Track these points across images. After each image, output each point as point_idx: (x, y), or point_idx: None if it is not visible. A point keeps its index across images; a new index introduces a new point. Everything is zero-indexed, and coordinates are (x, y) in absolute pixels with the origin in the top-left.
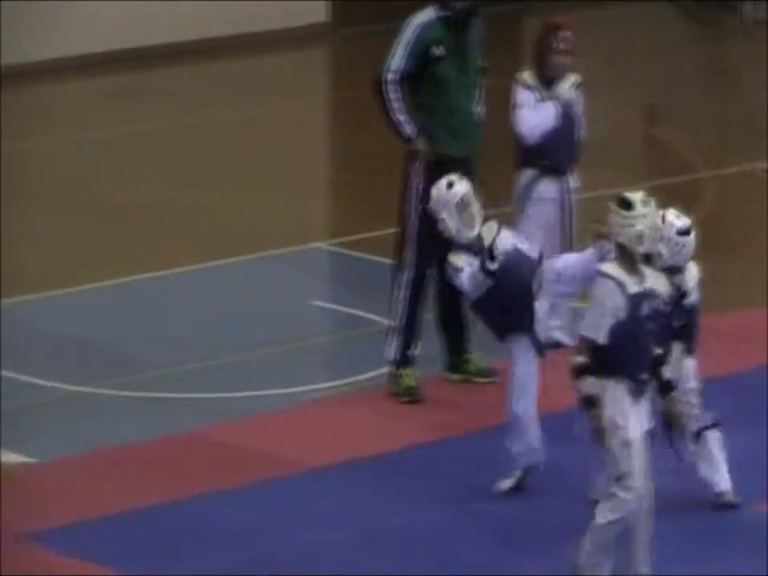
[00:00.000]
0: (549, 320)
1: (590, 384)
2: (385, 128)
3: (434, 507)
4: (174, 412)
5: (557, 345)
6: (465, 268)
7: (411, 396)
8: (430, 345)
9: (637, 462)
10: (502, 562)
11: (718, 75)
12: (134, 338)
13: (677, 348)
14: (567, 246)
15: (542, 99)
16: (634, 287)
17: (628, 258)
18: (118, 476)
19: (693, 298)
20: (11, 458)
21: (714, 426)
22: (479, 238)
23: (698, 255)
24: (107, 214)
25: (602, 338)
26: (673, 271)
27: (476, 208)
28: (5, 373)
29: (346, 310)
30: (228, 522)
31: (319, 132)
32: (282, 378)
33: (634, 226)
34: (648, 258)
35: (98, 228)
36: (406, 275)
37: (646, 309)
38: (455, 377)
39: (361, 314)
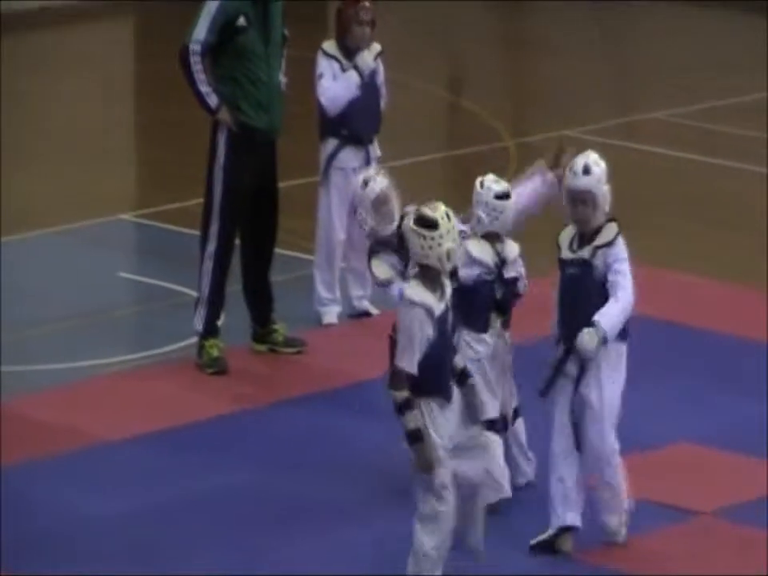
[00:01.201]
0: (353, 290)
1: (416, 417)
2: (190, 99)
3: (235, 477)
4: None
5: (366, 314)
6: (393, 280)
7: (217, 367)
8: (237, 316)
9: (447, 472)
10: (282, 536)
11: (521, 46)
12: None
13: (497, 321)
14: None
15: (344, 69)
16: (440, 307)
17: (432, 277)
18: None
19: (513, 270)
20: None
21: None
22: (398, 233)
23: None
24: None
25: (415, 368)
26: (493, 238)
27: (394, 204)
28: None
29: (153, 281)
30: (24, 496)
31: (122, 104)
32: (86, 350)
33: (441, 245)
34: (454, 274)
35: None
36: (212, 246)
37: (449, 324)
38: (262, 347)
39: (168, 285)
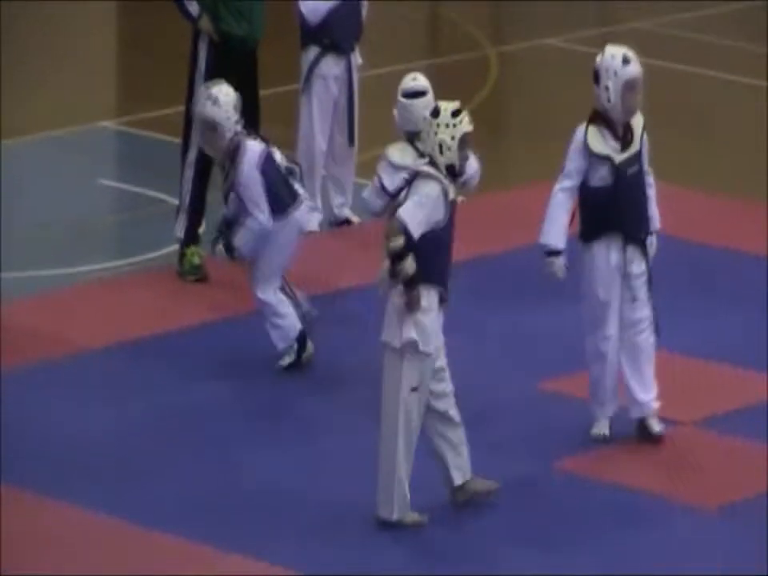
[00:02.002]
0: (335, 198)
1: (411, 263)
2: (170, 6)
3: (217, 386)
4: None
5: (346, 221)
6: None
7: (198, 274)
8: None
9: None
10: (264, 446)
11: None
12: None
13: None
14: (351, 123)
15: None
16: (451, 194)
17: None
18: None
19: None
20: None
21: None
22: None
23: (483, 133)
24: None
25: (416, 233)
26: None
27: None
28: None
29: (134, 188)
30: (7, 402)
31: (103, 11)
32: (66, 257)
33: (437, 134)
34: (451, 170)
35: None
36: (192, 155)
37: (453, 223)
38: None
39: (148, 192)
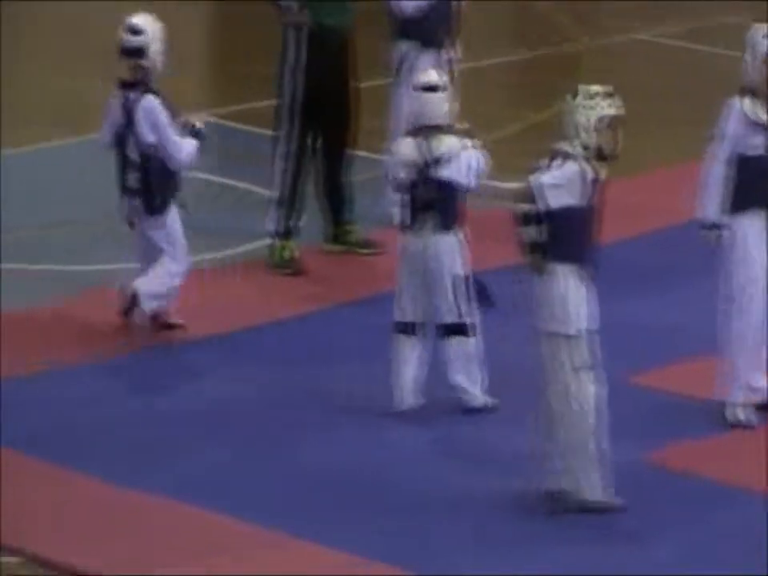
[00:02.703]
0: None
1: (533, 230)
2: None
3: (309, 376)
4: (48, 282)
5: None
6: None
7: (290, 268)
8: (313, 216)
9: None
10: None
11: None
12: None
13: (429, 222)
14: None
15: None
16: (590, 174)
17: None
18: None
19: (450, 169)
20: None
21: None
22: None
23: None
24: None
25: (542, 205)
26: (425, 134)
27: None
28: None
29: (225, 180)
30: (104, 391)
31: (193, 4)
32: None
33: (573, 115)
34: (591, 151)
35: None
36: (285, 147)
37: (594, 203)
38: (337, 248)
39: (240, 184)
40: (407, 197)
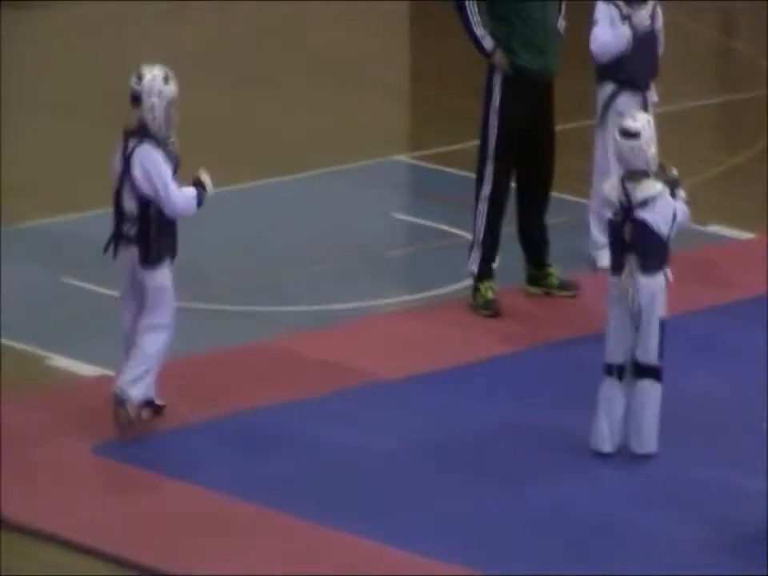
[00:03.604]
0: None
1: None
2: (464, 39)
3: (509, 417)
4: (247, 324)
5: None
6: None
7: (490, 309)
8: (512, 257)
9: None
10: (553, 466)
11: None
12: (206, 250)
13: (630, 263)
14: None
15: (623, 15)
16: None
17: None
18: (190, 386)
19: (650, 212)
20: (79, 367)
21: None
22: None
23: None
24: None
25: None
26: (628, 177)
27: None
28: (69, 280)
29: (426, 222)
30: (295, 432)
31: (398, 42)
32: (360, 290)
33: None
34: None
35: None
36: (487, 189)
37: None
38: (536, 290)
39: (440, 226)
40: (613, 238)
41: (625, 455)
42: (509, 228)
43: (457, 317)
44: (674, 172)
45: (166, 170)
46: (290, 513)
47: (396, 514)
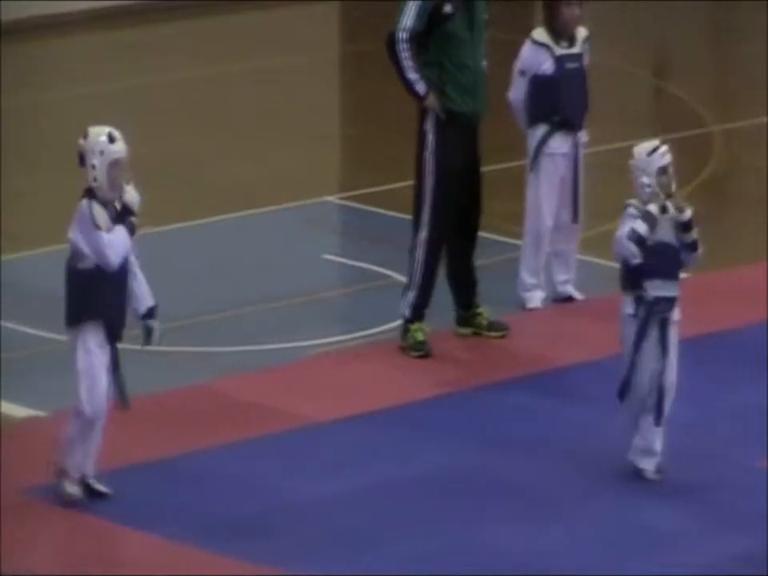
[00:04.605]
0: (558, 274)
1: None
2: (395, 82)
3: (439, 460)
4: (182, 365)
5: (569, 299)
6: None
7: (422, 350)
8: (441, 299)
9: None
10: (487, 519)
11: (730, 32)
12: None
13: None
14: (575, 200)
15: (554, 55)
16: None
17: None
18: (123, 428)
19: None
20: (15, 410)
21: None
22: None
23: (708, 209)
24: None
25: None
26: None
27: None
28: (7, 324)
29: (357, 263)
30: (229, 476)
31: (328, 86)
32: (291, 331)
33: None
34: None
35: None
36: (425, 233)
37: None
38: (465, 331)
39: (371, 267)
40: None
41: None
42: (439, 269)
43: (389, 358)
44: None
45: (100, 223)
46: (229, 555)
47: (340, 553)
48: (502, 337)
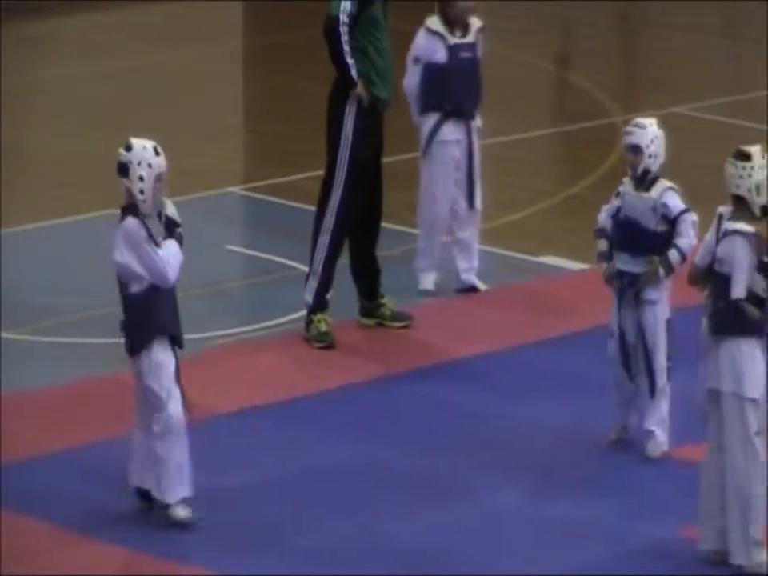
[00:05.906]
0: (460, 263)
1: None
2: (300, 75)
3: (343, 452)
4: (84, 357)
5: (473, 288)
6: None
7: (325, 341)
8: (345, 290)
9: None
10: (393, 510)
11: (633, 23)
12: (43, 284)
13: None
14: (471, 187)
15: (447, 45)
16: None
17: (746, 210)
18: (24, 420)
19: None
20: None
21: None
22: None
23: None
24: (9, 163)
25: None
26: None
27: None
28: None
29: (261, 254)
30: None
31: (230, 79)
32: (195, 322)
33: (751, 176)
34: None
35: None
36: (331, 220)
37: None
38: (369, 321)
39: (275, 258)
40: None
41: None
42: (341, 260)
43: (292, 349)
44: None
45: (146, 240)
46: (131, 547)
47: (241, 545)
48: (406, 327)
